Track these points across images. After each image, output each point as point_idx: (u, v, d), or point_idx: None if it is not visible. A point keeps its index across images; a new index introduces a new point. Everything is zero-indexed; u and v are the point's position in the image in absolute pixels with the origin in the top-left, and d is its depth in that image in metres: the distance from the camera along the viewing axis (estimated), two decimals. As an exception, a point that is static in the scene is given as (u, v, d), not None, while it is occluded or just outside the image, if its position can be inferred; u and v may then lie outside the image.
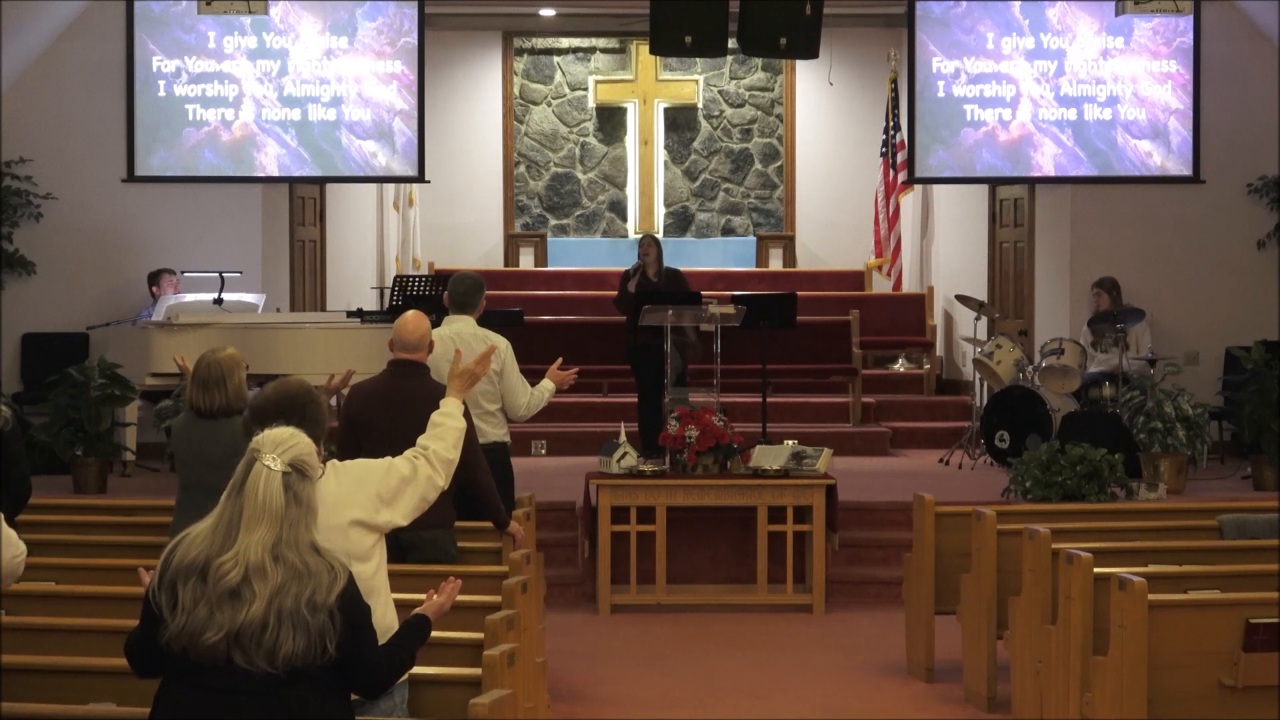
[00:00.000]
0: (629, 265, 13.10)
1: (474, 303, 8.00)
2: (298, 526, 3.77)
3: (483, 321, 8.16)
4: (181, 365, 7.30)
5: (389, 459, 4.68)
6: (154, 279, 12.85)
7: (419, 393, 5.53)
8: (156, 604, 3.77)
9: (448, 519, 6.62)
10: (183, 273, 12.85)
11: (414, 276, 13.15)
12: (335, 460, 4.54)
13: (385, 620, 4.45)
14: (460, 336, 7.76)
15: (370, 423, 6.41)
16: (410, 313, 6.79)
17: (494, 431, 7.95)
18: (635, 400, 12.30)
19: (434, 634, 4.75)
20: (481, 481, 6.81)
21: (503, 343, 7.85)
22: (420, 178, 13.83)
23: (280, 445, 3.81)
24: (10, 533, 4.79)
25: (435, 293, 12.12)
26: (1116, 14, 13.21)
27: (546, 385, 7.92)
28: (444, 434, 4.81)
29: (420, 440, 4.78)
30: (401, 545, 6.42)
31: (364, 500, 4.47)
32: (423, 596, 4.45)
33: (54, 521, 7.39)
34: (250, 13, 12.61)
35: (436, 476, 4.71)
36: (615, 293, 12.88)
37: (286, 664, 3.69)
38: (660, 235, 16.66)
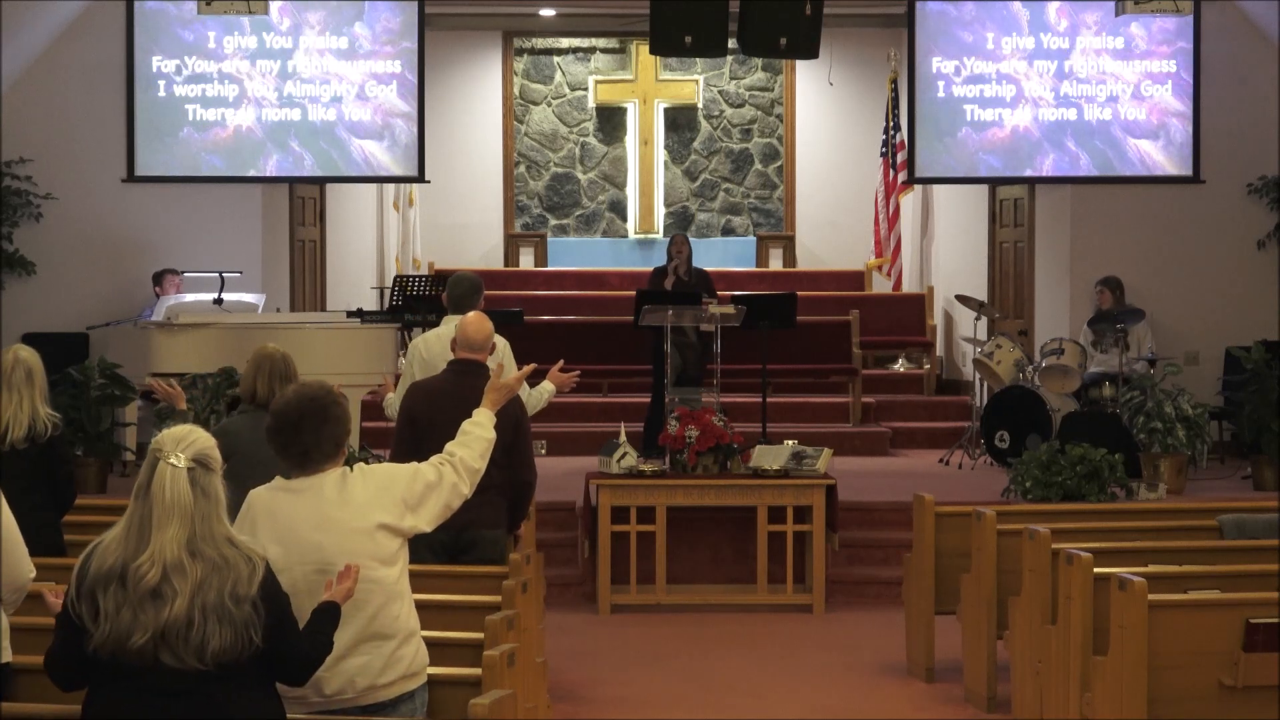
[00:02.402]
0: (628, 265, 13.10)
1: (472, 303, 8.00)
2: (209, 520, 3.80)
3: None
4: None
5: (415, 464, 4.67)
6: (158, 279, 12.86)
7: (481, 392, 5.57)
8: (77, 615, 3.78)
9: (503, 519, 6.77)
10: (184, 273, 12.85)
11: (414, 276, 13.14)
12: (362, 464, 4.56)
13: (410, 623, 4.47)
14: None
15: (432, 420, 6.46)
16: (473, 314, 6.91)
17: None
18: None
19: (434, 634, 4.76)
20: (528, 482, 6.89)
21: (502, 343, 7.86)
22: (420, 178, 13.83)
23: (182, 442, 3.85)
24: (21, 549, 4.74)
25: (435, 293, 12.12)
26: (1117, 14, 13.20)
27: (547, 387, 7.92)
28: (472, 443, 4.80)
29: (448, 447, 4.77)
30: (461, 545, 6.56)
31: (390, 504, 4.47)
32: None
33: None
34: (250, 13, 12.60)
35: (461, 484, 4.69)
36: (616, 293, 12.86)
37: (216, 659, 3.72)
38: (660, 235, 16.67)
